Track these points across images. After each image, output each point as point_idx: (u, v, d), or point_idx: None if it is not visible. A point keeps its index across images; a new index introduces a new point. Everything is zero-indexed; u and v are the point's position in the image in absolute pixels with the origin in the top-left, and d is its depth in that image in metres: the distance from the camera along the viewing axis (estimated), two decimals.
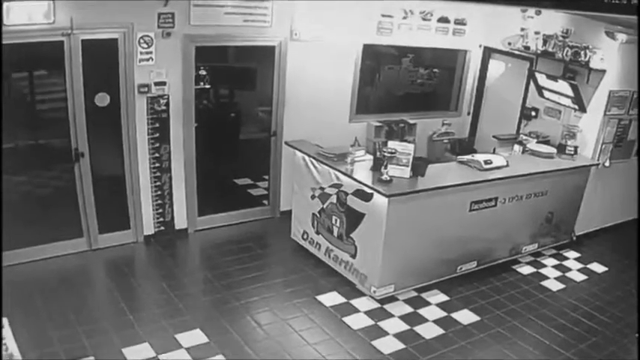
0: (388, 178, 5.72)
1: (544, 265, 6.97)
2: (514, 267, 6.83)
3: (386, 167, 5.74)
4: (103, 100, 6.08)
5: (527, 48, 7.55)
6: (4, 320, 3.41)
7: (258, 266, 6.43)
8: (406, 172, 5.87)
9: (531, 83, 7.73)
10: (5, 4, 5.19)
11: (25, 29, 5.38)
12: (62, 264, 6.08)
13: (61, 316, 5.17)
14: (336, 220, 6.20)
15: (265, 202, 7.83)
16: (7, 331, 3.35)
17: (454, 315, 5.75)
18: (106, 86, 6.09)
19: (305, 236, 6.74)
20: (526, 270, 6.81)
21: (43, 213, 6.11)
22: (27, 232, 5.98)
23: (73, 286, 5.71)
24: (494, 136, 8.02)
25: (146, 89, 6.25)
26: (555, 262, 7.09)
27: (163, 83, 6.32)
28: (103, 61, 6.04)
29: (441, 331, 5.46)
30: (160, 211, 6.77)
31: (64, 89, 5.87)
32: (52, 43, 5.64)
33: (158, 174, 6.62)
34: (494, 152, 7.39)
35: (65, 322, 5.08)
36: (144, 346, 4.88)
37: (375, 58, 8.25)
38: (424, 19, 7.94)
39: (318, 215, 6.46)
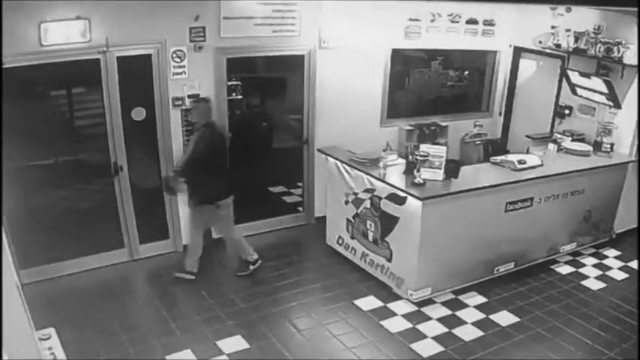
0: (421, 182, 5.73)
1: (583, 265, 6.86)
2: (553, 267, 6.75)
3: (419, 170, 5.75)
4: (139, 114, 6.25)
5: (558, 46, 7.48)
6: (52, 330, 3.54)
7: (294, 272, 6.50)
8: (439, 174, 5.87)
9: (564, 81, 7.64)
10: (43, 25, 5.39)
11: (62, 49, 5.57)
12: (105, 275, 6.25)
13: (105, 325, 5.33)
14: (370, 225, 6.23)
15: (300, 208, 7.91)
16: (55, 341, 3.46)
17: (493, 317, 5.71)
18: (142, 101, 6.26)
19: (340, 241, 6.78)
20: (565, 270, 6.72)
21: (86, 226, 6.28)
22: (71, 245, 6.18)
23: (117, 296, 5.87)
24: (527, 136, 7.95)
25: (180, 102, 6.39)
26: (595, 260, 6.98)
27: (197, 95, 6.45)
28: (138, 76, 6.21)
29: (480, 333, 5.43)
30: None
31: (101, 105, 6.06)
32: (88, 61, 5.82)
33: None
34: (527, 152, 7.33)
35: (110, 331, 5.23)
36: (186, 353, 4.98)
37: (404, 63, 8.26)
38: (452, 22, 7.94)
39: (352, 220, 6.50)
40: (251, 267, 6.37)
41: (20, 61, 5.40)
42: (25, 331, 2.04)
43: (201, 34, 6.30)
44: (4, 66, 5.30)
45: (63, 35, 5.54)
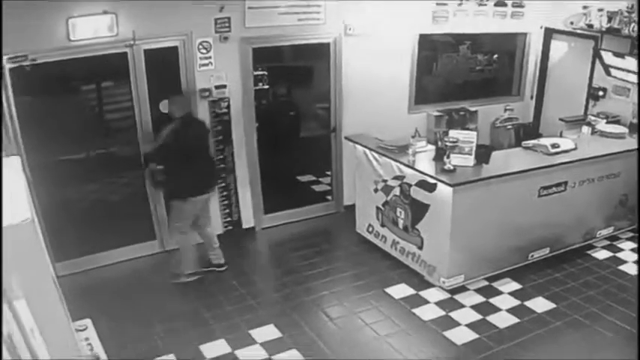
0: (451, 168, 5.65)
1: (621, 249, 6.70)
2: (589, 252, 6.61)
3: (448, 157, 5.67)
4: (167, 106, 6.26)
5: (590, 26, 7.30)
6: (89, 321, 3.57)
7: (325, 261, 6.48)
8: (469, 160, 5.78)
9: (597, 62, 7.46)
10: (71, 21, 5.44)
11: (90, 43, 5.62)
12: (137, 266, 6.32)
13: (139, 315, 5.39)
14: (400, 212, 6.18)
15: (329, 197, 7.89)
16: (91, 332, 3.50)
17: (528, 303, 5.62)
18: (170, 93, 6.27)
19: (370, 229, 6.75)
20: (602, 255, 6.57)
21: (117, 218, 6.35)
22: (103, 237, 6.26)
23: (149, 287, 5.94)
24: (560, 119, 7.80)
25: (207, 93, 6.40)
26: (633, 245, 6.80)
27: (223, 86, 6.46)
28: (165, 68, 6.24)
29: (515, 320, 5.35)
30: (227, 211, 6.93)
31: (130, 98, 6.10)
32: (116, 54, 5.87)
33: (223, 175, 6.77)
34: (561, 135, 7.18)
35: (144, 322, 5.29)
36: (220, 343, 5.02)
37: (431, 48, 8.15)
38: (480, 5, 7.78)
39: (382, 208, 6.45)
40: (183, 279, 6.00)
41: (49, 57, 5.47)
42: (62, 323, 2.05)
43: (227, 24, 6.29)
44: (35, 62, 5.40)
45: (91, 30, 5.59)
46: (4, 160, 2.35)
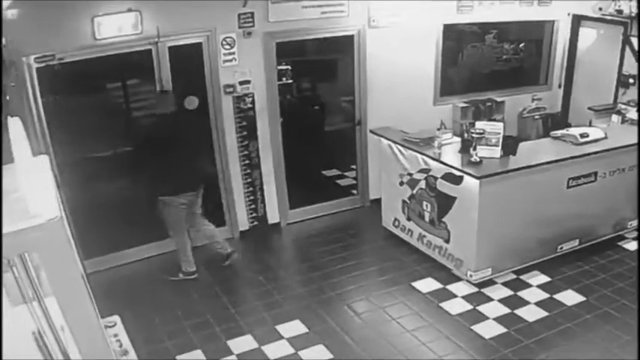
0: (478, 160, 5.58)
1: None
2: (620, 243, 6.47)
3: (475, 148, 5.60)
4: (192, 102, 6.30)
5: (619, 12, 7.14)
6: (117, 318, 3.61)
7: (351, 255, 6.47)
8: (496, 152, 5.71)
9: (627, 49, 7.29)
10: (96, 19, 5.49)
11: (115, 41, 5.67)
12: (165, 262, 6.36)
13: (167, 311, 5.45)
14: (426, 206, 6.13)
15: (354, 191, 7.86)
16: (120, 328, 3.54)
17: (557, 296, 5.54)
18: (194, 89, 6.31)
19: (396, 223, 6.71)
20: (633, 246, 6.43)
21: (144, 215, 6.40)
22: (131, 234, 6.34)
23: (177, 283, 5.98)
24: (589, 108, 7.63)
25: (232, 89, 6.42)
26: None
27: (248, 82, 6.47)
28: (189, 65, 6.27)
29: (544, 314, 5.27)
30: (253, 206, 6.95)
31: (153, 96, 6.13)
32: (141, 52, 5.91)
33: (248, 171, 6.79)
34: (590, 125, 7.04)
35: (172, 318, 5.35)
36: (247, 338, 5.05)
37: (456, 38, 8.05)
38: None
39: (408, 201, 6.41)
40: (180, 275, 6.07)
41: (76, 56, 5.53)
42: (91, 320, 2.07)
43: (250, 19, 6.29)
44: (62, 61, 5.47)
45: (115, 28, 5.64)
46: (34, 159, 2.39)
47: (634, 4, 6.88)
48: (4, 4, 2.75)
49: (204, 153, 6.21)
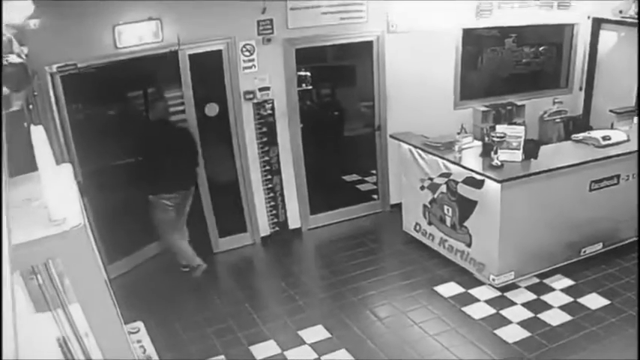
0: (499, 164, 5.55)
1: None
2: None
3: (496, 152, 5.57)
4: (212, 109, 6.36)
5: None
6: (141, 324, 3.65)
7: (372, 260, 6.45)
8: (517, 155, 5.67)
9: None
10: (117, 28, 5.56)
11: (136, 50, 5.74)
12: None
13: (190, 317, 5.49)
14: (448, 210, 6.10)
15: (375, 196, 7.85)
16: (143, 334, 3.57)
17: (581, 300, 5.47)
18: (214, 96, 6.37)
19: (417, 228, 6.69)
20: None
21: None
22: (153, 241, 6.37)
23: (199, 289, 6.03)
24: (611, 111, 7.54)
25: (252, 96, 6.46)
26: None
27: (267, 88, 6.51)
28: (210, 72, 6.32)
29: (568, 317, 5.21)
30: (274, 212, 6.98)
31: (175, 103, 6.20)
32: (162, 60, 5.97)
33: (269, 176, 6.82)
34: (612, 127, 6.95)
35: (195, 323, 5.38)
36: (270, 344, 5.06)
37: (476, 42, 8.01)
38: None
39: (429, 206, 6.39)
40: (187, 268, 6.21)
41: (97, 65, 5.60)
42: (115, 326, 2.10)
43: (269, 26, 6.33)
44: (83, 70, 5.55)
45: (136, 36, 5.70)
46: (57, 167, 2.43)
47: None
48: (25, 14, 2.82)
49: (192, 155, 6.18)
